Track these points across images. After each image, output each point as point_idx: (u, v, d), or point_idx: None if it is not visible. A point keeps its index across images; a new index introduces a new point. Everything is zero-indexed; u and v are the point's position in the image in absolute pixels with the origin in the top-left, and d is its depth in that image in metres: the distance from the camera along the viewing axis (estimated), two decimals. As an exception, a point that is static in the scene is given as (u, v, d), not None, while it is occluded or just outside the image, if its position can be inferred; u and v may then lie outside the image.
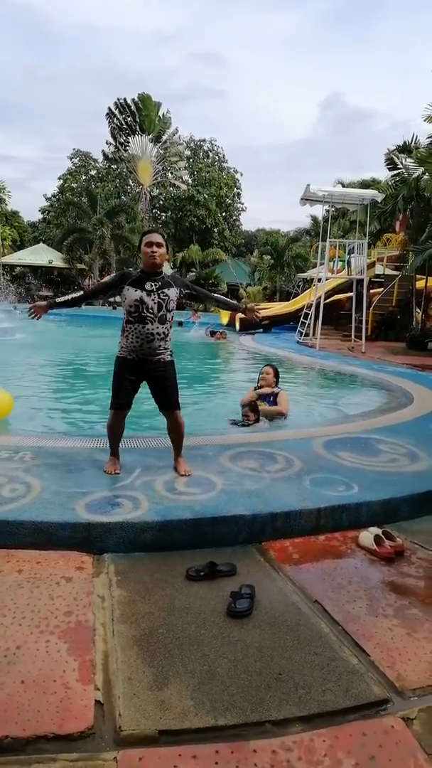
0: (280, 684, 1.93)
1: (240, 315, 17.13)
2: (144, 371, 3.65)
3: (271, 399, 5.99)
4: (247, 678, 1.95)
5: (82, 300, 3.70)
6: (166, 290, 3.55)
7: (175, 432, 3.78)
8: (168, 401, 3.71)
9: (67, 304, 3.68)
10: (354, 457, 4.22)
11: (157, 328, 3.54)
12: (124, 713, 1.76)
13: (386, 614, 2.41)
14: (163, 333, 3.59)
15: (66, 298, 3.68)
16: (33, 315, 3.60)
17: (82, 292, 3.77)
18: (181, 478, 3.60)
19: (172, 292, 3.58)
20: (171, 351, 3.72)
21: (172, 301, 3.59)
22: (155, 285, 3.53)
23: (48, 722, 1.70)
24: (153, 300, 3.51)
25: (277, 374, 6.23)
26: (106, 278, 3.92)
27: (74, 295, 3.70)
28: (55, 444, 4.31)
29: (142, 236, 3.63)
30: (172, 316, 3.65)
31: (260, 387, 6.13)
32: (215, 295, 4.17)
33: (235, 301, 4.15)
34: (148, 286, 3.52)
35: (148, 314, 3.51)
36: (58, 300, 3.70)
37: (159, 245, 3.52)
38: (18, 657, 2.00)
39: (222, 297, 4.19)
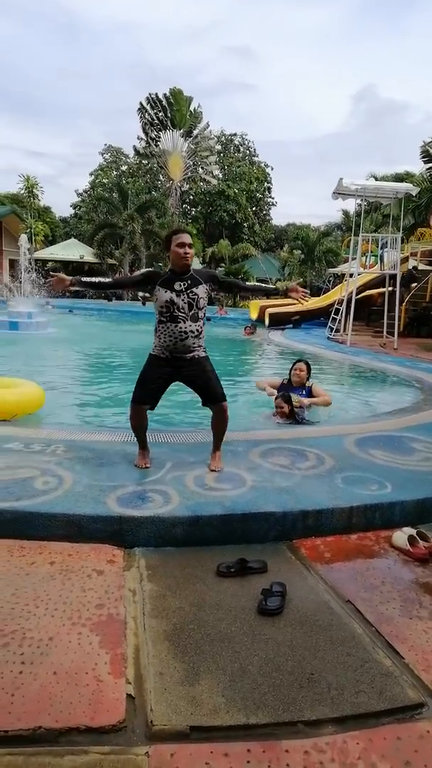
0: (313, 684, 1.90)
1: (271, 309, 17.10)
2: (178, 370, 3.63)
3: (303, 393, 5.93)
4: (279, 677, 1.93)
5: (108, 287, 3.79)
6: (194, 289, 3.53)
7: (220, 425, 3.75)
8: (213, 394, 3.67)
9: (93, 286, 3.74)
10: (387, 456, 4.15)
11: (190, 326, 3.54)
12: (156, 708, 1.76)
13: (421, 616, 2.36)
14: (197, 330, 3.57)
15: (93, 279, 3.75)
16: (55, 288, 3.59)
17: (110, 280, 3.85)
18: (211, 473, 3.59)
19: (201, 290, 3.55)
20: (204, 347, 3.71)
21: (203, 299, 3.57)
22: (184, 285, 3.51)
23: (80, 714, 1.71)
24: (183, 300, 3.50)
25: (309, 370, 6.16)
26: (135, 273, 3.93)
27: (102, 279, 3.76)
28: (87, 437, 4.35)
29: (171, 236, 3.57)
30: (204, 313, 3.63)
31: (290, 382, 6.07)
32: (248, 284, 4.12)
33: (272, 286, 4.01)
34: (177, 286, 3.51)
35: (180, 314, 3.50)
36: (84, 279, 3.72)
37: (191, 245, 3.50)
38: (50, 648, 2.02)
39: (256, 284, 4.13)
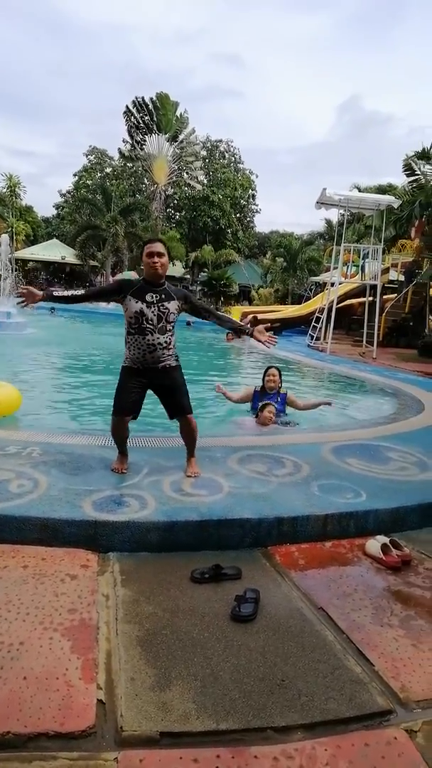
0: (283, 690, 1.92)
1: (253, 316, 17.15)
2: (150, 380, 3.62)
3: (279, 400, 6.01)
4: (250, 683, 1.94)
5: (81, 300, 3.60)
6: (166, 303, 3.50)
7: (189, 435, 3.76)
8: (178, 406, 3.68)
9: (65, 300, 3.60)
10: (363, 464, 4.19)
11: (158, 338, 3.50)
12: (126, 714, 1.75)
13: (391, 624, 2.39)
14: (165, 342, 3.54)
15: (65, 293, 3.59)
16: (23, 303, 3.44)
17: (82, 292, 3.66)
18: (188, 479, 3.59)
19: (173, 305, 3.53)
20: (177, 356, 3.69)
21: (173, 314, 3.54)
22: (156, 297, 3.49)
23: (49, 720, 1.70)
24: (153, 312, 3.47)
25: (280, 376, 6.28)
26: (106, 285, 3.77)
27: (75, 292, 3.61)
28: (64, 441, 4.32)
29: (143, 246, 3.54)
30: (173, 326, 3.59)
31: (264, 388, 6.15)
32: (219, 313, 3.93)
33: (239, 322, 3.73)
34: (149, 297, 3.47)
35: (148, 325, 3.47)
36: (55, 293, 3.61)
37: (160, 255, 3.44)
38: (21, 653, 2.00)
39: (226, 316, 3.85)
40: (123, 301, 3.53)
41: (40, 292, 3.48)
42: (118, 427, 3.63)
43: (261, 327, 3.70)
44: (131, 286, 3.55)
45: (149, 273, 3.50)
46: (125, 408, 3.60)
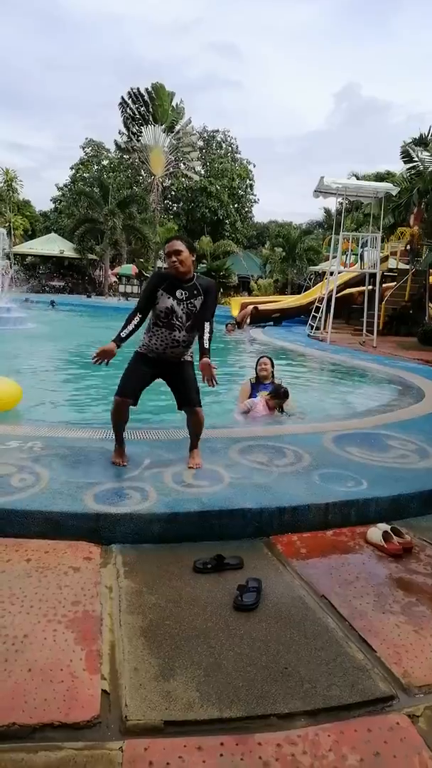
0: (286, 678, 1.93)
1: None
2: (163, 371, 3.66)
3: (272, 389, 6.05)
4: (253, 671, 1.96)
5: (141, 321, 3.52)
6: (194, 300, 3.51)
7: (195, 427, 3.77)
8: (188, 398, 3.68)
9: (133, 332, 3.50)
10: (363, 453, 4.20)
11: (184, 336, 3.55)
12: (130, 703, 1.77)
13: (393, 611, 2.41)
14: (189, 341, 3.60)
15: (130, 327, 3.47)
16: (99, 361, 3.39)
17: (139, 315, 3.52)
18: (189, 470, 3.60)
19: (198, 302, 3.53)
20: (192, 352, 3.72)
21: (200, 313, 3.56)
22: (185, 294, 3.49)
23: (54, 710, 1.71)
24: (183, 309, 3.49)
25: (272, 365, 6.33)
26: (144, 292, 3.58)
27: (135, 321, 3.49)
28: (65, 434, 4.33)
29: (165, 243, 3.57)
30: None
31: (258, 378, 6.17)
32: (208, 330, 3.56)
33: (205, 347, 3.47)
34: (179, 294, 3.49)
35: (177, 322, 3.50)
36: (123, 335, 3.45)
37: (177, 253, 3.42)
38: (25, 645, 2.02)
39: (208, 336, 3.54)
40: (156, 296, 3.52)
41: (112, 345, 3.40)
42: (118, 409, 3.61)
43: (207, 361, 3.43)
44: (164, 280, 3.53)
45: (171, 272, 3.50)
46: (130, 391, 3.59)
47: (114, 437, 3.77)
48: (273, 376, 6.28)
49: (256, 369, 6.32)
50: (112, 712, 1.75)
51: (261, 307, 19.28)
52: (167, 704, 1.78)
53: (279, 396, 5.76)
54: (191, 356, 3.74)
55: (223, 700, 1.81)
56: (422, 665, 2.05)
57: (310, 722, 1.76)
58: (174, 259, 3.43)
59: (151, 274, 3.57)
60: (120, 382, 3.62)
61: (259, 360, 6.39)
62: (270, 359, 6.40)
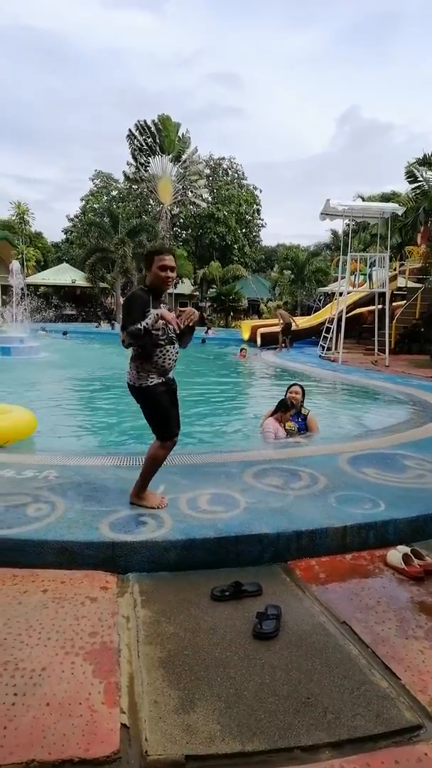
0: (309, 708, 1.89)
1: (263, 330, 17.12)
2: (174, 393, 3.50)
3: (300, 420, 5.98)
4: (275, 702, 1.91)
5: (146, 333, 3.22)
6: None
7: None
8: (178, 420, 3.53)
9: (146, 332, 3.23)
10: (380, 474, 4.15)
11: (177, 347, 3.45)
12: (151, 737, 1.73)
13: (417, 636, 2.35)
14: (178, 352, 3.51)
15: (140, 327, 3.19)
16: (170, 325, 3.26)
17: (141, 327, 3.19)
18: (204, 495, 3.57)
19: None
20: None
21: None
22: (166, 308, 3.38)
23: (74, 746, 1.68)
24: None
25: (304, 394, 6.21)
26: (136, 307, 3.25)
27: (139, 325, 3.17)
28: (79, 462, 4.34)
29: (154, 255, 3.28)
30: None
31: (285, 403, 6.03)
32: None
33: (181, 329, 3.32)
34: (163, 307, 3.36)
35: (172, 334, 3.38)
36: (143, 326, 3.17)
37: (173, 269, 3.30)
38: (43, 679, 1.99)
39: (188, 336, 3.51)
40: (146, 316, 3.22)
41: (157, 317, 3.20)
42: (169, 449, 3.45)
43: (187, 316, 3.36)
44: (148, 299, 3.30)
45: (162, 287, 3.33)
46: (175, 426, 3.45)
47: (147, 480, 3.46)
48: (302, 406, 6.14)
49: (286, 393, 6.22)
50: (132, 746, 1.72)
51: (270, 330, 19.32)
52: (188, 738, 1.74)
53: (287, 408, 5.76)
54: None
55: (245, 733, 1.77)
56: (449, 693, 1.99)
57: (334, 754, 1.71)
58: (170, 274, 3.29)
59: (133, 294, 3.38)
60: (163, 425, 3.39)
61: (290, 387, 6.26)
62: (302, 388, 6.23)
